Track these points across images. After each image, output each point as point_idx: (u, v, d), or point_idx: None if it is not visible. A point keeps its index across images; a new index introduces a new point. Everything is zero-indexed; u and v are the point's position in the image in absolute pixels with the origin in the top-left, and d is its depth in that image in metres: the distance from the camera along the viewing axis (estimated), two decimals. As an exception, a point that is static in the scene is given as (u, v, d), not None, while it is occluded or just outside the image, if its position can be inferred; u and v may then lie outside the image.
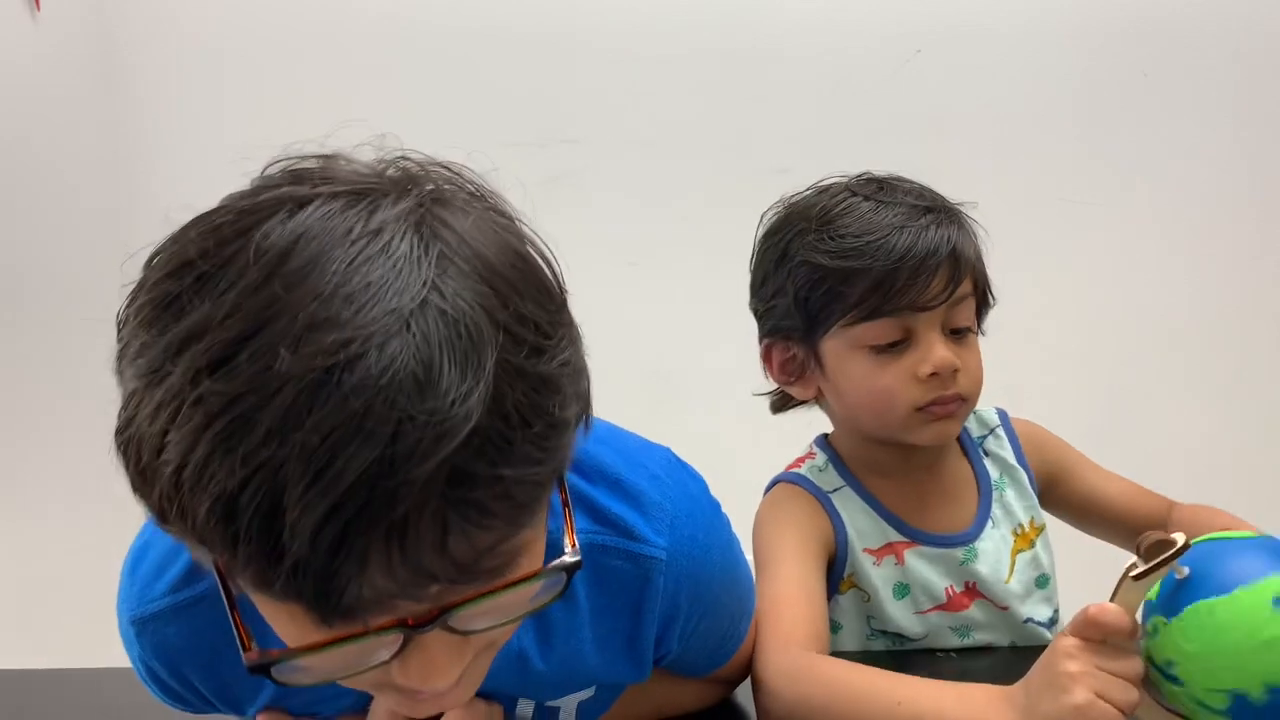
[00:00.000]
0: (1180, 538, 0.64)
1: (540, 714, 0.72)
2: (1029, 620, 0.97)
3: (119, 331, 0.49)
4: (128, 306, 0.49)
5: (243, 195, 0.49)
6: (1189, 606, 0.63)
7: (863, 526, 0.94)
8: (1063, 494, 1.01)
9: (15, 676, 0.94)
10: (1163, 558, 0.64)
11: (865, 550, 0.93)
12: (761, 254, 0.96)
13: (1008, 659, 0.95)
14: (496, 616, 0.49)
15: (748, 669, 0.82)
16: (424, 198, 0.46)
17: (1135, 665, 0.65)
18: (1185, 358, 2.02)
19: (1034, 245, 1.86)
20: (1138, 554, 0.65)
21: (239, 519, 0.41)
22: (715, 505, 0.71)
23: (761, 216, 0.96)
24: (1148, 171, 1.98)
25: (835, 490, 0.95)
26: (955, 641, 0.95)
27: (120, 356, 0.49)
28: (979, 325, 0.94)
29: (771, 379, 0.97)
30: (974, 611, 0.95)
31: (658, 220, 1.96)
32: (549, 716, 0.72)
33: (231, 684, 0.66)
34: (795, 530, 0.91)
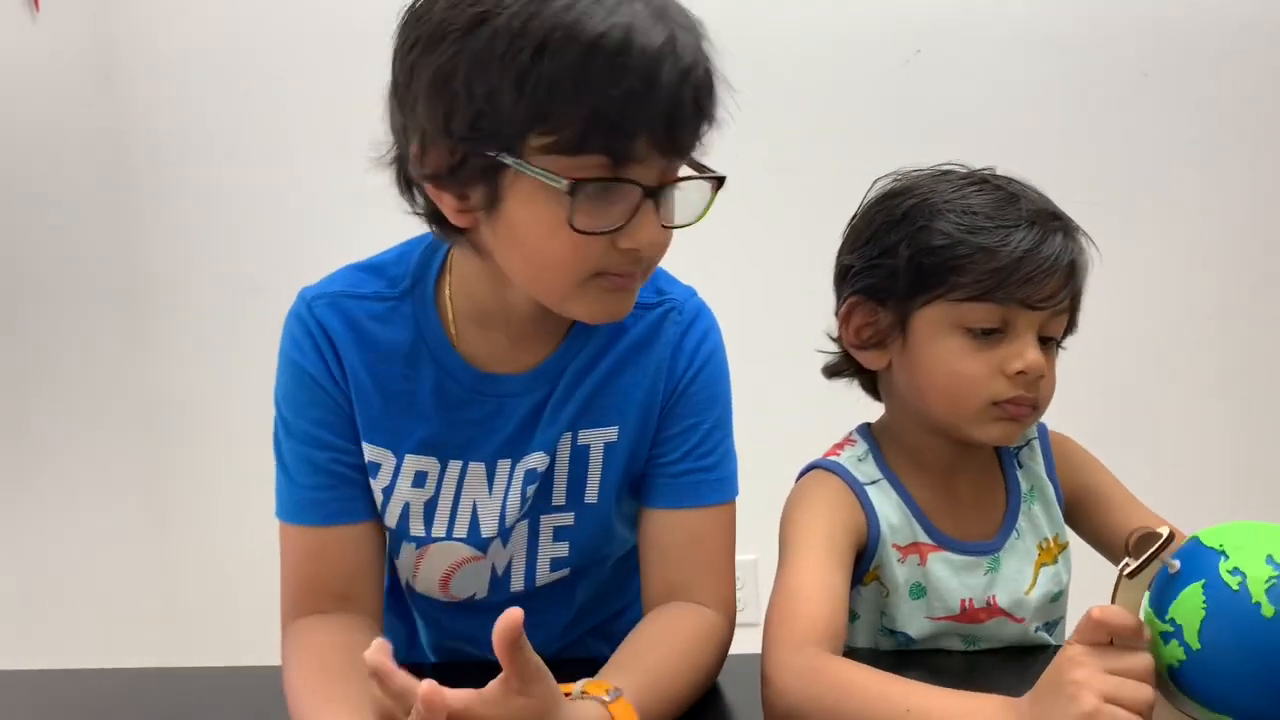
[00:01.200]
0: (1166, 530, 0.65)
1: (577, 469, 0.89)
2: (1037, 630, 0.97)
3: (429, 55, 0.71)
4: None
5: None
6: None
7: (895, 522, 0.93)
8: (1087, 519, 0.99)
9: (15, 677, 0.94)
10: (1152, 550, 0.64)
11: (894, 545, 0.93)
12: (871, 213, 0.95)
13: (1012, 657, 0.95)
14: (674, 217, 0.75)
15: (729, 582, 0.89)
16: None
17: (1145, 661, 0.65)
18: (1184, 356, 2.02)
19: (1034, 245, 1.86)
20: (1127, 552, 0.65)
21: (597, 56, 0.67)
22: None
23: (874, 182, 0.97)
24: (1148, 171, 1.98)
25: (872, 483, 0.94)
26: (960, 648, 0.95)
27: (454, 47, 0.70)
28: (1059, 346, 0.94)
29: (844, 340, 0.96)
30: (989, 625, 0.95)
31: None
32: (583, 459, 0.88)
33: (364, 369, 0.84)
34: (825, 521, 0.90)
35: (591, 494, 0.90)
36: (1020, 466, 0.99)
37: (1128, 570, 0.65)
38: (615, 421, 0.88)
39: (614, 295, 0.77)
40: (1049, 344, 0.91)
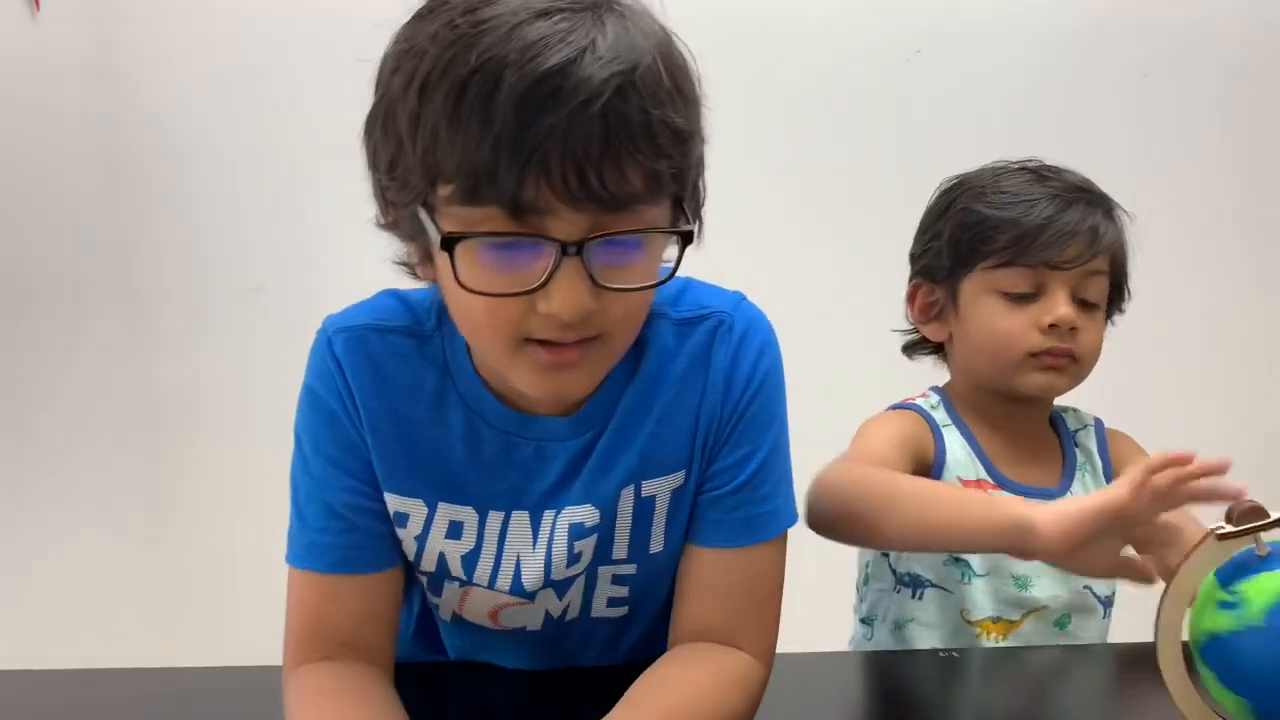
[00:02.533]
0: (1276, 514, 0.66)
1: (641, 522, 0.80)
2: (1086, 586, 1.04)
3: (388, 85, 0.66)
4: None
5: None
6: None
7: (961, 458, 1.04)
8: None
9: (15, 676, 0.94)
10: (1254, 525, 0.65)
11: (958, 478, 1.03)
12: (930, 208, 1.10)
13: (1011, 660, 0.95)
14: (623, 279, 0.65)
15: (774, 626, 0.80)
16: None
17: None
18: (1183, 357, 2.02)
19: (1034, 245, 1.86)
20: (1229, 520, 0.66)
21: (466, 97, 0.60)
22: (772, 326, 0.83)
23: (940, 185, 1.10)
24: (1147, 171, 1.97)
25: (944, 426, 1.06)
26: (1012, 591, 1.02)
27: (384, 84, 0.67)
28: (1109, 319, 1.06)
29: (911, 318, 1.10)
30: (1036, 564, 1.01)
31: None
32: (647, 512, 0.80)
33: (385, 415, 0.77)
34: (898, 430, 1.02)
35: (657, 543, 0.81)
36: (1077, 445, 1.08)
37: (1221, 532, 0.66)
38: (680, 466, 0.79)
39: (552, 372, 0.68)
40: (1089, 307, 1.02)
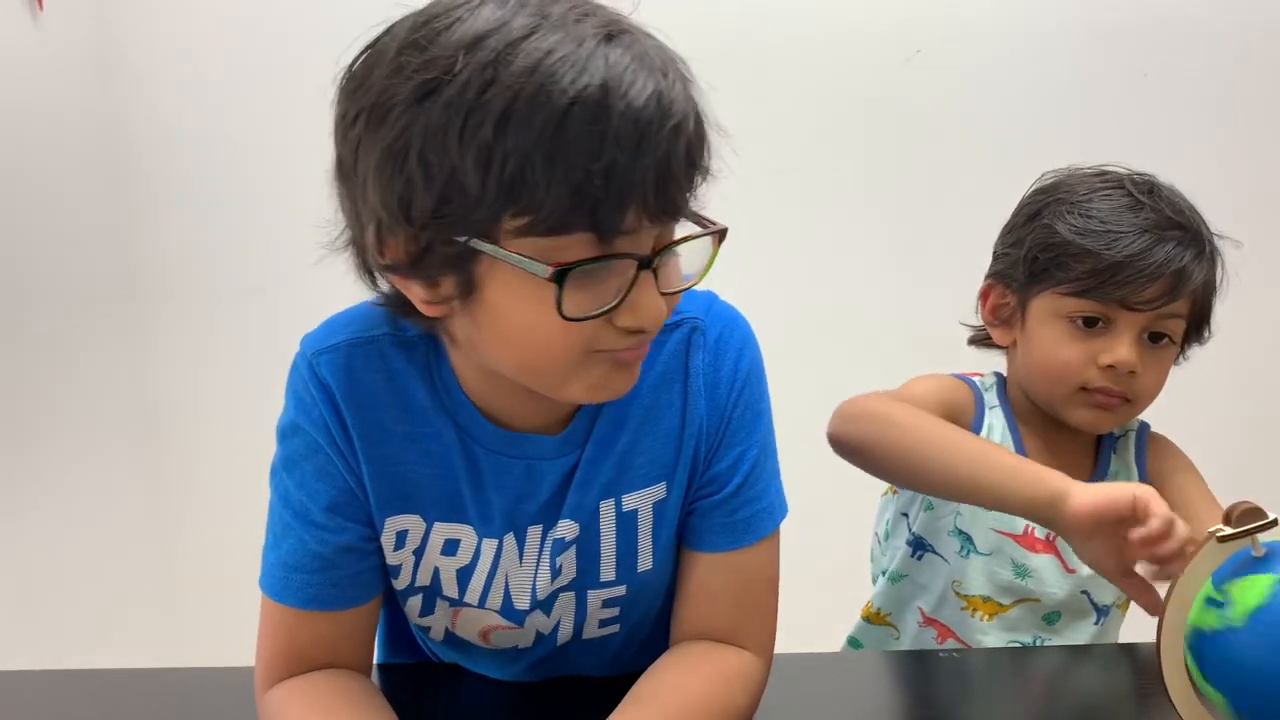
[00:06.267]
0: (1273, 516, 0.66)
1: (625, 539, 0.79)
2: (1085, 591, 1.03)
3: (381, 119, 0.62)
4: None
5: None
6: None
7: (997, 438, 1.03)
8: None
9: (15, 677, 0.94)
10: (1251, 527, 0.66)
11: None
12: (1021, 205, 1.06)
13: (1011, 660, 0.95)
14: (676, 283, 0.67)
15: (773, 623, 0.81)
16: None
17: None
18: (1185, 359, 2.02)
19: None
20: (1227, 522, 0.67)
21: (568, 128, 0.58)
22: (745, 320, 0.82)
23: (1042, 175, 1.06)
24: (1147, 171, 1.97)
25: (991, 405, 1.05)
26: (1008, 576, 1.02)
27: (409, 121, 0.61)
28: (1183, 352, 1.02)
29: (981, 316, 1.08)
30: (1040, 560, 1.02)
31: (658, 220, 1.96)
32: (630, 527, 0.79)
33: (380, 437, 0.74)
34: (940, 391, 1.02)
35: (645, 560, 0.80)
36: (1115, 452, 1.07)
37: (1220, 535, 0.66)
38: (661, 477, 0.78)
39: (616, 372, 0.69)
40: (1161, 340, 0.98)
